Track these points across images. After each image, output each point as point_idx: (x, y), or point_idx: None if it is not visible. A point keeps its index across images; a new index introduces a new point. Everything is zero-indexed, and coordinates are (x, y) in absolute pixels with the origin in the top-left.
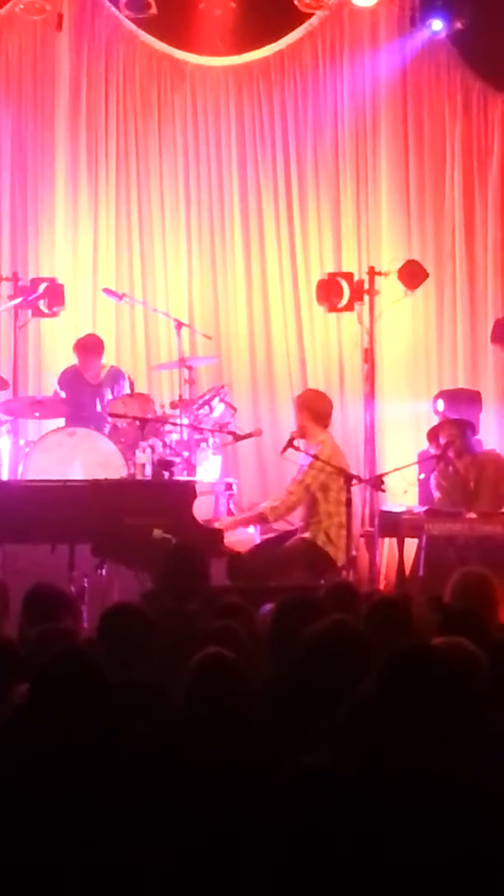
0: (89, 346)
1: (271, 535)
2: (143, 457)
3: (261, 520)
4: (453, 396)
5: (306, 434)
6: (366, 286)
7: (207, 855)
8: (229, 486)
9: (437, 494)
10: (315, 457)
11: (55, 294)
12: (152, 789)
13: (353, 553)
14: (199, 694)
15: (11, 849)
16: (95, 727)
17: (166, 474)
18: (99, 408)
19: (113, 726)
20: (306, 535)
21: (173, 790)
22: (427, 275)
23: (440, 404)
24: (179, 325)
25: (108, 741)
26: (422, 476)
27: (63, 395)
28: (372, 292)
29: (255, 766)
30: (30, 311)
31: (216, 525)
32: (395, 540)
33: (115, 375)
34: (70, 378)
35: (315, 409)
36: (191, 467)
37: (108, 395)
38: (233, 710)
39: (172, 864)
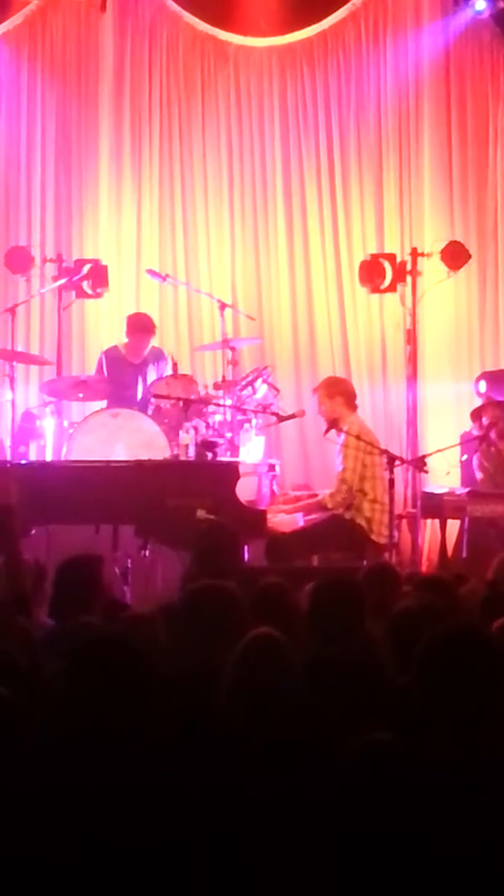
0: (146, 327)
1: (315, 516)
2: (187, 438)
3: (320, 507)
4: (496, 377)
5: (340, 420)
6: (408, 267)
7: (253, 837)
8: (272, 468)
9: (479, 476)
10: (353, 435)
11: (99, 275)
12: (193, 770)
13: (395, 535)
14: (247, 674)
15: (45, 826)
16: (132, 709)
17: (209, 455)
18: (141, 388)
19: (150, 708)
20: (339, 511)
21: (214, 771)
22: (470, 256)
23: (482, 385)
24: (222, 305)
25: (145, 723)
26: (464, 457)
27: (105, 373)
28: (414, 273)
29: (304, 746)
30: (74, 293)
31: (272, 509)
32: (437, 521)
33: (157, 355)
34: (112, 359)
35: (346, 393)
36: (234, 448)
37: (151, 375)
38: (281, 691)
39: (213, 847)
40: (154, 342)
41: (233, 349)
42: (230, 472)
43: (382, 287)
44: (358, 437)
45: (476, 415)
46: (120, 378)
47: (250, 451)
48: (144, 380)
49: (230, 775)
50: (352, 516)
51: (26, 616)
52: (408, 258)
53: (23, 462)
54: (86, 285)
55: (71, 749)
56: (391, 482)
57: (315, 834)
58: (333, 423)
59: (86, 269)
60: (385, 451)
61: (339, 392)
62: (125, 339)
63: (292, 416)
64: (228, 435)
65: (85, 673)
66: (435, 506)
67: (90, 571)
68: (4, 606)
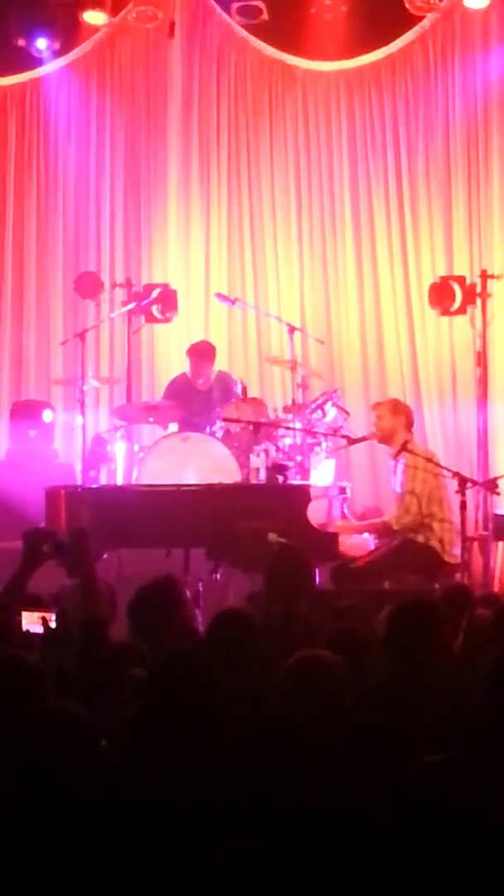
0: (204, 352)
1: (388, 540)
2: (257, 461)
3: (384, 528)
4: None
5: (393, 437)
6: (478, 289)
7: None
8: (343, 490)
9: None
10: (423, 457)
11: (168, 299)
12: (251, 788)
13: (456, 554)
14: (293, 696)
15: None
16: (202, 727)
17: (280, 478)
18: (209, 414)
19: (218, 727)
20: (409, 535)
21: (270, 790)
22: None
23: None
24: (292, 329)
25: (213, 741)
26: None
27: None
28: (484, 295)
29: (358, 766)
30: (143, 317)
31: (334, 528)
32: None
33: (224, 380)
34: (179, 386)
35: (408, 415)
36: (304, 471)
37: (219, 401)
38: (331, 711)
39: (272, 862)
40: (223, 366)
41: (302, 373)
42: (301, 495)
43: (452, 309)
44: (429, 460)
45: None
46: (188, 405)
47: (321, 473)
48: (211, 406)
49: (285, 792)
50: (424, 539)
51: (101, 637)
52: (477, 280)
53: (93, 486)
54: (155, 310)
55: (143, 764)
56: (463, 504)
57: (370, 855)
58: (403, 446)
59: (155, 293)
60: (457, 474)
61: (402, 412)
62: None
63: (363, 439)
64: (299, 458)
65: (159, 690)
66: None
67: (171, 592)
68: (80, 627)
